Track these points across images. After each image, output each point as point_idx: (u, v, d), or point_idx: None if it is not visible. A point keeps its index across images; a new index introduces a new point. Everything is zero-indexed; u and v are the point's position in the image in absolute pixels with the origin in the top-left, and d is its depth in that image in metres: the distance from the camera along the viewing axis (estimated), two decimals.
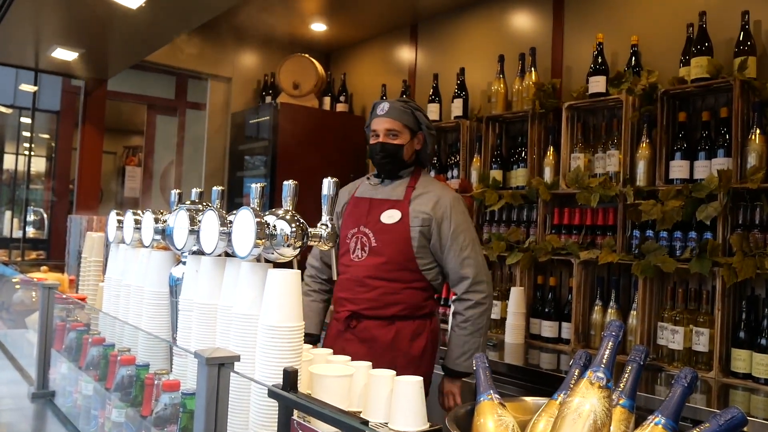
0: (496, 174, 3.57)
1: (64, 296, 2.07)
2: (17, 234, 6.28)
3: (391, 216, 2.34)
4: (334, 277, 1.64)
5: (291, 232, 1.27)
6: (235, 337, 1.24)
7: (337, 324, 2.37)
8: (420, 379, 1.30)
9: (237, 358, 0.99)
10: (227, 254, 1.39)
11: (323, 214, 1.39)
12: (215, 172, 5.10)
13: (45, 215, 6.06)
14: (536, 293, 3.35)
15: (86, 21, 3.48)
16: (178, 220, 1.50)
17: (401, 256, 2.30)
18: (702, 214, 2.60)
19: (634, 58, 3.09)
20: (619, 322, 1.20)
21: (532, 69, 3.52)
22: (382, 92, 4.53)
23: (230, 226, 1.32)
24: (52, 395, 1.86)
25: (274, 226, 1.28)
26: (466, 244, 2.31)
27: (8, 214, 7.00)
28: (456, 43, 4.25)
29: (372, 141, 2.41)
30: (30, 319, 2.55)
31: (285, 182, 1.40)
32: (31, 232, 6.24)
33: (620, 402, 1.15)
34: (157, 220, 1.67)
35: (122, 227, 1.88)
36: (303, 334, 1.22)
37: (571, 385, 1.19)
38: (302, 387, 1.23)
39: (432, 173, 3.98)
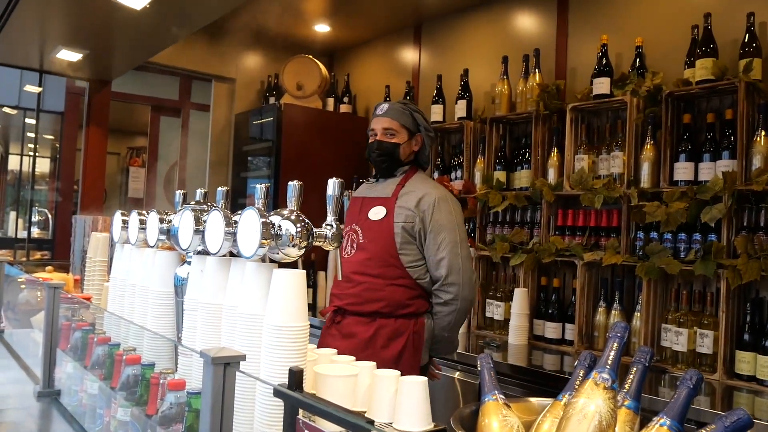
0: (499, 175, 3.57)
1: (70, 296, 2.08)
2: (22, 234, 6.31)
3: (377, 213, 2.37)
4: (339, 277, 1.64)
5: (296, 233, 1.27)
6: (240, 337, 1.25)
7: (326, 320, 2.41)
8: (424, 379, 1.30)
9: (243, 357, 0.99)
10: (231, 254, 1.40)
11: (328, 214, 1.40)
12: (219, 172, 5.11)
13: (49, 215, 6.08)
14: (540, 294, 3.35)
15: (91, 22, 3.50)
16: (183, 221, 1.51)
17: (384, 252, 2.31)
18: (707, 216, 2.59)
19: (638, 60, 3.09)
20: (624, 323, 1.20)
21: (536, 70, 3.52)
22: (386, 93, 4.54)
23: (235, 227, 1.32)
24: (58, 394, 1.86)
25: (280, 227, 1.28)
26: (444, 244, 2.30)
27: (13, 214, 7.03)
28: (460, 44, 4.25)
29: (370, 140, 2.44)
30: (35, 318, 2.56)
31: (290, 183, 1.40)
32: (35, 232, 6.27)
33: (625, 403, 1.15)
34: (162, 221, 1.67)
35: (127, 227, 1.88)
36: (308, 334, 1.22)
37: (576, 386, 1.19)
38: (306, 387, 1.24)
39: (435, 174, 3.98)
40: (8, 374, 2.19)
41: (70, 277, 2.91)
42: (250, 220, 1.27)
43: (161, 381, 1.28)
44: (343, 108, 4.94)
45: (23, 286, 2.93)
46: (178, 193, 1.91)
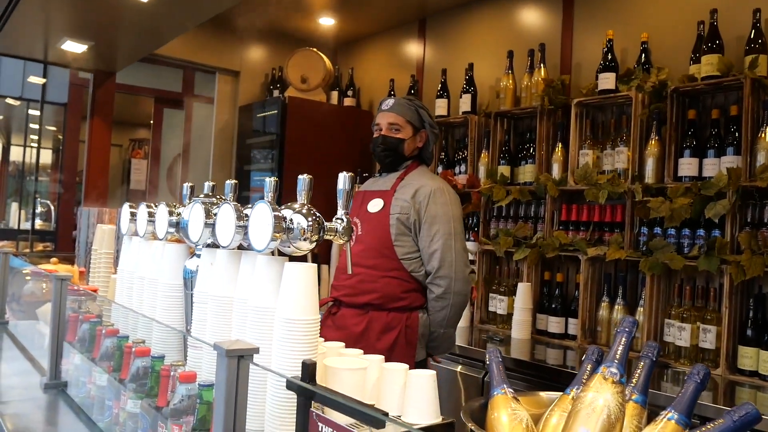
0: (504, 170, 3.58)
1: (77, 288, 2.08)
2: (24, 225, 6.32)
3: (375, 205, 2.39)
4: (349, 271, 1.65)
5: (308, 226, 1.28)
6: (251, 330, 1.26)
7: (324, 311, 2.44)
8: (433, 372, 1.31)
9: (256, 350, 1.00)
10: (240, 247, 1.40)
11: (339, 208, 1.40)
12: (222, 165, 5.11)
13: (52, 207, 6.08)
14: (543, 289, 3.36)
15: (96, 13, 3.49)
16: (193, 213, 1.51)
17: (379, 243, 2.32)
18: (711, 211, 2.60)
19: (644, 55, 3.09)
20: (632, 318, 1.21)
21: (542, 65, 3.52)
22: (390, 87, 4.53)
23: (246, 220, 1.33)
24: (65, 386, 1.87)
25: (291, 220, 1.29)
26: (438, 236, 2.30)
27: (15, 205, 7.03)
28: (465, 38, 4.25)
29: (375, 135, 2.45)
30: (41, 310, 2.56)
31: (300, 176, 1.40)
32: (38, 223, 6.27)
33: (633, 397, 1.16)
34: (171, 213, 1.68)
35: (135, 220, 1.89)
36: (319, 327, 1.23)
37: (584, 380, 1.20)
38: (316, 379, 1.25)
39: (440, 168, 3.99)
40: (14, 366, 2.19)
41: (76, 269, 2.92)
42: (262, 214, 1.27)
43: (172, 373, 1.29)
44: (347, 101, 4.94)
45: (28, 278, 2.93)
46: (186, 185, 1.91)
